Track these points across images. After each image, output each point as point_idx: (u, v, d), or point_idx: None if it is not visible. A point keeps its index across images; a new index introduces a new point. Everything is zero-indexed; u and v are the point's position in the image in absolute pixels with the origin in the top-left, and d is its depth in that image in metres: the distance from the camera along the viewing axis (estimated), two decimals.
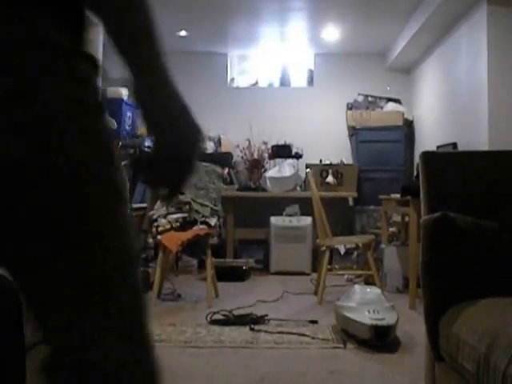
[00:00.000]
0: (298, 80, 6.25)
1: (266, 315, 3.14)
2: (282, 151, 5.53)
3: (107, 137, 0.71)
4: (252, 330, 2.92)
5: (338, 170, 5.35)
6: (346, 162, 5.56)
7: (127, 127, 4.69)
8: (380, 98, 5.89)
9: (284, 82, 6.20)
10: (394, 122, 5.60)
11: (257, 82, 6.20)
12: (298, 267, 4.97)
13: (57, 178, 0.68)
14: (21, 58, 0.64)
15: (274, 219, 5.14)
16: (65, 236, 0.72)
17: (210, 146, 5.63)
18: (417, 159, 5.09)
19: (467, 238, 1.51)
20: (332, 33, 5.39)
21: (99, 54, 3.99)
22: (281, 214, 5.20)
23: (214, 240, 3.87)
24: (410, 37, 4.91)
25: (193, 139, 0.71)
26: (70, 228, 0.72)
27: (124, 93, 4.61)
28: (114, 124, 4.28)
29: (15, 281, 0.78)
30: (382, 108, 5.83)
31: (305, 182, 5.40)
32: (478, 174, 1.71)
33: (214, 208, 3.98)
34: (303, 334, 2.83)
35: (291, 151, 5.54)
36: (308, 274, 4.87)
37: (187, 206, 3.87)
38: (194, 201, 3.90)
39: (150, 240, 4.33)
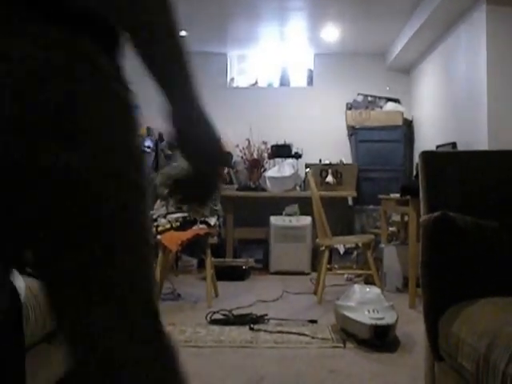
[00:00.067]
0: (298, 80, 6.25)
1: (266, 315, 3.15)
2: (282, 151, 5.54)
3: (139, 148, 0.77)
4: (252, 329, 2.92)
5: (337, 169, 5.36)
6: (345, 162, 5.57)
7: None
8: (379, 97, 5.90)
9: (283, 82, 6.20)
10: (394, 122, 5.60)
11: (256, 82, 6.20)
12: (298, 267, 4.97)
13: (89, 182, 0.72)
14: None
15: (273, 219, 5.14)
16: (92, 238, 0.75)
17: None
18: (416, 159, 5.09)
19: (467, 237, 1.51)
20: (332, 33, 5.40)
21: None
22: (280, 214, 5.20)
23: (213, 239, 3.87)
24: (410, 37, 4.91)
25: (221, 165, 0.80)
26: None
27: None
28: None
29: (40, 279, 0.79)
30: (381, 108, 5.83)
31: (304, 181, 5.40)
32: (478, 174, 1.71)
33: (214, 207, 3.98)
34: (303, 334, 2.83)
35: (291, 151, 5.55)
36: (308, 274, 4.87)
37: (187, 206, 3.87)
38: None
39: None
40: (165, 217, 3.82)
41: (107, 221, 0.76)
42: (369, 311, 2.63)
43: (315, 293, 3.84)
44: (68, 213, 0.74)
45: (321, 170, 5.34)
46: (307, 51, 6.07)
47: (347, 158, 5.76)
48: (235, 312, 3.23)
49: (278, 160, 5.55)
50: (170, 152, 5.01)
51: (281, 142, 5.58)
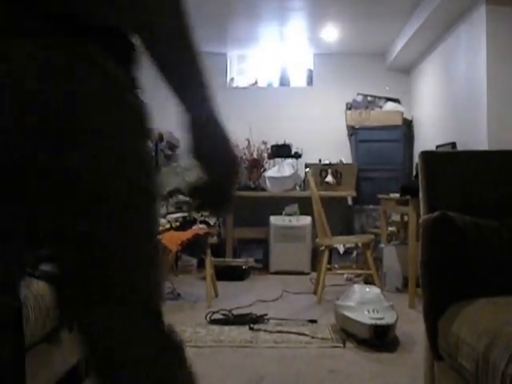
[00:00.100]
0: (298, 80, 6.25)
1: (266, 315, 3.15)
2: (282, 151, 5.54)
3: (149, 155, 0.82)
4: (251, 329, 2.92)
5: (337, 169, 5.36)
6: (345, 162, 5.57)
7: None
8: (379, 97, 5.90)
9: (283, 82, 6.20)
10: (394, 122, 5.60)
11: (256, 82, 6.20)
12: (298, 267, 4.98)
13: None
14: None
15: (273, 219, 5.14)
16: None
17: None
18: (416, 159, 5.10)
19: (466, 237, 1.52)
20: (331, 33, 5.40)
21: None
22: (280, 214, 5.20)
23: (213, 239, 3.88)
24: (409, 37, 4.92)
25: (235, 174, 0.85)
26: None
27: None
28: None
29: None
30: (381, 108, 5.83)
31: (304, 181, 5.40)
32: (477, 174, 1.72)
33: None
34: (303, 334, 2.83)
35: (290, 151, 5.55)
36: (307, 274, 4.87)
37: (187, 206, 3.88)
38: None
39: None
40: (164, 217, 3.83)
41: (107, 221, 0.76)
42: (368, 311, 2.63)
43: (315, 293, 3.84)
44: (67, 213, 0.75)
45: (320, 169, 5.34)
46: (307, 51, 6.07)
47: (347, 158, 5.76)
48: (235, 312, 3.23)
49: (277, 160, 5.55)
50: (170, 152, 5.01)
51: (280, 142, 5.58)
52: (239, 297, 3.81)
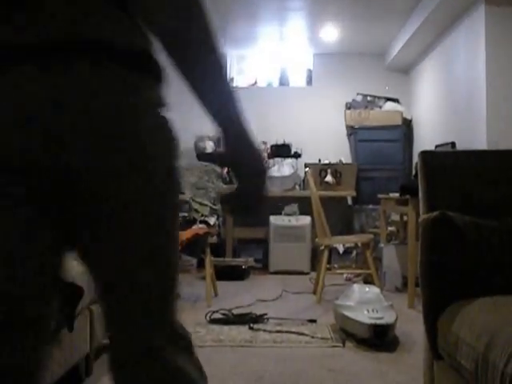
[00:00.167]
0: (297, 80, 6.26)
1: (265, 314, 3.15)
2: (281, 151, 5.54)
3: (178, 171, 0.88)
4: (251, 329, 2.93)
5: (336, 169, 5.36)
6: (344, 162, 5.57)
7: None
8: (379, 97, 5.90)
9: (283, 82, 6.21)
10: (393, 122, 5.61)
11: (256, 82, 6.20)
12: (297, 266, 4.98)
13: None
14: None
15: (273, 218, 5.14)
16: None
17: (209, 146, 5.63)
18: (415, 158, 5.10)
19: (466, 237, 1.52)
20: (331, 33, 5.40)
21: None
22: (280, 214, 5.21)
23: (213, 239, 3.88)
24: (409, 37, 4.92)
25: (264, 181, 0.90)
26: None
27: None
28: None
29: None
30: (380, 107, 5.84)
31: (304, 181, 5.41)
32: (477, 173, 1.72)
33: (213, 207, 3.99)
34: (302, 333, 2.83)
35: (290, 151, 5.55)
36: (307, 273, 4.87)
37: (187, 205, 3.88)
38: (193, 200, 3.91)
39: None
40: None
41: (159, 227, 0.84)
42: (368, 311, 2.63)
43: (314, 292, 3.85)
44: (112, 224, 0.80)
45: (320, 169, 5.35)
46: (306, 51, 6.07)
47: (346, 158, 5.76)
48: (235, 311, 3.24)
49: (277, 160, 5.55)
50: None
51: (280, 142, 5.58)
52: (239, 296, 3.82)
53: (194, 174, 4.98)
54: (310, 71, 6.21)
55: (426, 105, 5.48)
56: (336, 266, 4.88)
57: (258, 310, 3.24)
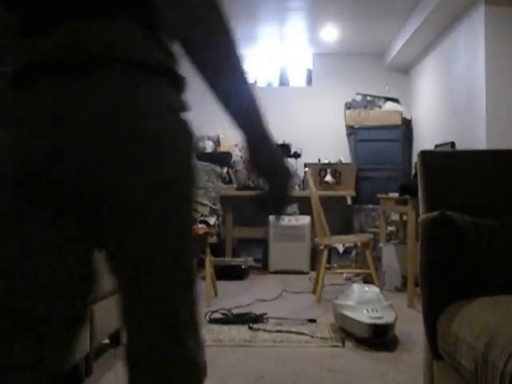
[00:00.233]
0: (297, 80, 6.26)
1: (265, 314, 3.15)
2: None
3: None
4: (251, 328, 2.93)
5: (336, 169, 5.36)
6: (344, 161, 5.58)
7: None
8: (378, 97, 5.90)
9: (283, 82, 6.21)
10: (393, 122, 5.61)
11: (255, 82, 6.20)
12: (297, 266, 4.98)
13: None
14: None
15: (272, 218, 5.14)
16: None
17: (209, 146, 5.63)
18: (415, 158, 5.09)
19: (465, 236, 1.52)
20: (331, 32, 5.40)
21: None
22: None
23: (212, 239, 3.87)
24: (409, 37, 4.92)
25: (290, 181, 0.95)
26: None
27: None
28: None
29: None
30: (380, 107, 5.84)
31: (303, 181, 5.41)
32: (476, 173, 1.72)
33: (213, 207, 3.98)
34: (302, 333, 2.83)
35: (290, 150, 5.55)
36: (307, 273, 4.88)
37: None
38: None
39: None
40: None
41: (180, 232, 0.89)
42: (368, 310, 2.63)
43: (314, 292, 3.85)
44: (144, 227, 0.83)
45: (320, 169, 5.35)
46: (306, 51, 6.07)
47: (346, 158, 5.76)
48: (234, 311, 3.24)
49: None
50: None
51: (280, 142, 5.58)
52: (238, 296, 3.82)
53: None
54: (309, 71, 6.21)
55: (425, 105, 5.48)
56: (336, 265, 4.88)
57: (257, 310, 3.24)
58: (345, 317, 2.74)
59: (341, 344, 2.66)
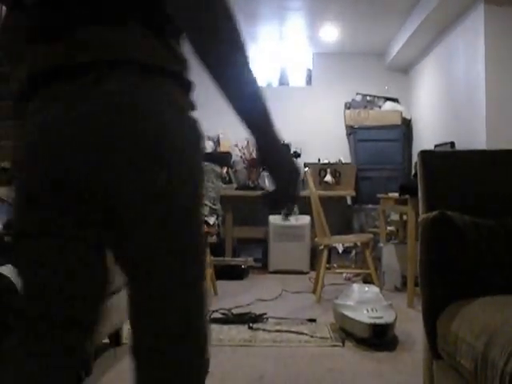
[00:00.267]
0: (297, 79, 6.26)
1: (265, 314, 3.15)
2: None
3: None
4: (251, 328, 2.93)
5: (336, 169, 5.36)
6: (344, 161, 5.57)
7: None
8: (378, 97, 5.90)
9: (282, 82, 6.21)
10: (392, 122, 5.61)
11: None
12: (297, 266, 4.98)
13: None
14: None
15: (272, 218, 5.14)
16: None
17: (208, 146, 5.63)
18: (415, 158, 5.10)
19: (465, 236, 1.52)
20: (330, 32, 5.40)
21: None
22: (279, 213, 5.21)
23: (212, 239, 3.88)
24: (408, 36, 4.92)
25: (298, 179, 0.98)
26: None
27: None
28: None
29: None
30: (380, 107, 5.84)
31: (303, 181, 5.40)
32: (476, 173, 1.72)
33: (213, 207, 3.98)
34: (302, 333, 2.83)
35: (289, 150, 5.55)
36: (306, 273, 4.88)
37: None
38: None
39: None
40: None
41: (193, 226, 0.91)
42: (367, 310, 2.63)
43: (314, 292, 3.85)
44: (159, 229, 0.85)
45: (319, 169, 5.35)
46: (306, 51, 6.07)
47: (346, 158, 5.76)
48: (234, 311, 3.24)
49: None
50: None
51: None
52: (238, 296, 3.82)
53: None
54: (309, 71, 6.21)
55: (425, 104, 5.48)
56: (335, 265, 4.88)
57: (257, 310, 3.24)
58: (345, 317, 2.74)
59: (341, 344, 2.66)
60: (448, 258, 1.51)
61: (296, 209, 5.23)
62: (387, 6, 4.63)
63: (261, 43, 5.79)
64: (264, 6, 4.73)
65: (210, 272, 3.66)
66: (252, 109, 0.91)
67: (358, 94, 5.93)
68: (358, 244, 4.39)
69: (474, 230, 1.53)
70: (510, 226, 1.56)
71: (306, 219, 5.06)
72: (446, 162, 1.74)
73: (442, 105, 4.90)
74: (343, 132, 5.94)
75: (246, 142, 5.64)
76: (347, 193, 5.38)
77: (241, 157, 5.64)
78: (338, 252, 5.11)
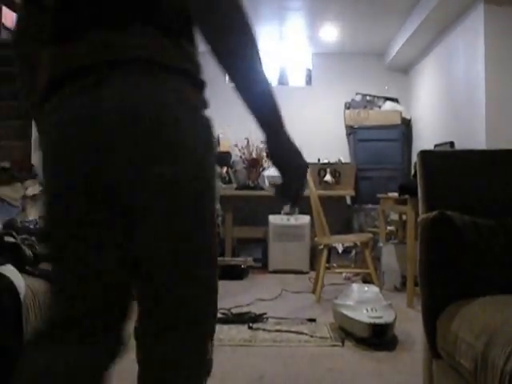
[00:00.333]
0: (296, 79, 6.26)
1: (265, 313, 3.15)
2: None
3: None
4: (250, 328, 2.93)
5: (335, 168, 5.36)
6: (343, 161, 5.57)
7: None
8: (378, 97, 5.90)
9: (282, 82, 6.21)
10: (392, 121, 5.61)
11: None
12: (297, 265, 4.98)
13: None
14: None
15: (272, 218, 5.14)
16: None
17: None
18: (414, 158, 5.11)
19: (465, 236, 1.52)
20: (330, 32, 5.40)
21: None
22: (279, 213, 5.21)
23: None
24: (408, 36, 4.92)
25: (304, 178, 1.00)
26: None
27: None
28: None
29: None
30: (379, 107, 5.84)
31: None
32: (476, 173, 1.72)
33: None
34: (301, 333, 2.83)
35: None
36: (306, 273, 4.88)
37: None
38: None
39: None
40: None
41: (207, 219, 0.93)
42: (367, 310, 2.63)
43: (314, 291, 3.85)
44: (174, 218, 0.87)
45: (319, 169, 5.35)
46: (306, 50, 6.07)
47: (345, 158, 5.76)
48: (234, 311, 3.24)
49: None
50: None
51: None
52: (238, 296, 3.82)
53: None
54: (309, 71, 6.21)
55: (425, 104, 5.48)
56: (335, 265, 4.88)
57: (257, 310, 3.24)
58: (344, 316, 2.74)
59: (340, 343, 2.66)
60: (448, 257, 1.51)
61: (296, 208, 5.23)
62: (387, 6, 4.63)
63: (260, 43, 5.76)
64: (264, 6, 4.73)
65: None
66: (263, 106, 0.92)
67: (357, 93, 5.93)
68: (358, 244, 4.39)
69: (473, 230, 1.53)
70: (509, 226, 1.56)
71: (305, 219, 5.06)
72: (446, 162, 1.74)
73: (441, 105, 4.90)
74: (343, 132, 5.94)
75: (245, 142, 5.64)
76: (347, 193, 5.39)
77: (240, 157, 5.63)
78: (338, 252, 5.11)
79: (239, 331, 2.88)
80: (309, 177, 4.04)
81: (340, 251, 5.11)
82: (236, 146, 5.66)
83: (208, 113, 0.94)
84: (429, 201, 1.67)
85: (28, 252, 1.86)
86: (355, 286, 2.93)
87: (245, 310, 3.28)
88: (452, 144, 4.35)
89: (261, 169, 5.57)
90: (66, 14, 0.87)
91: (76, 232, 0.85)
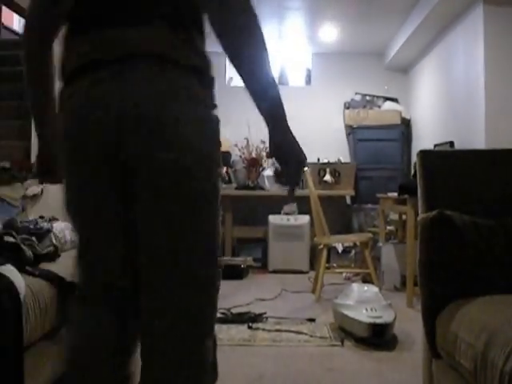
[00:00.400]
0: (296, 79, 6.26)
1: (264, 313, 3.15)
2: None
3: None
4: (250, 328, 2.93)
5: (335, 168, 5.36)
6: (343, 161, 5.57)
7: None
8: (377, 96, 5.91)
9: (282, 81, 6.20)
10: (392, 121, 5.61)
11: None
12: (296, 265, 4.98)
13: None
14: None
15: (272, 218, 5.14)
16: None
17: None
18: (414, 158, 5.11)
19: (464, 236, 1.52)
20: (330, 32, 5.40)
21: None
22: (279, 213, 5.21)
23: None
24: (408, 36, 4.92)
25: (303, 161, 1.04)
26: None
27: None
28: None
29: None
30: (379, 107, 5.84)
31: (302, 180, 5.41)
32: (475, 173, 1.72)
33: None
34: (301, 332, 2.84)
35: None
36: (306, 272, 4.88)
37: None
38: None
39: None
40: None
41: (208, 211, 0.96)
42: (367, 310, 2.64)
43: (313, 291, 3.85)
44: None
45: (319, 168, 5.35)
46: (305, 50, 6.07)
47: (345, 157, 5.76)
48: (234, 310, 3.24)
49: None
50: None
51: None
52: (238, 295, 3.82)
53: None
54: (308, 70, 6.21)
55: (424, 104, 5.48)
56: (335, 265, 4.88)
57: (256, 309, 3.24)
58: (344, 316, 2.74)
59: (340, 343, 2.66)
60: (447, 257, 1.51)
61: (295, 208, 5.23)
62: (387, 6, 4.63)
63: None
64: (263, 6, 4.73)
65: None
66: (270, 96, 0.97)
67: (357, 93, 5.93)
68: (358, 244, 4.39)
69: (473, 230, 1.53)
70: (509, 226, 1.56)
71: (305, 219, 5.06)
72: (446, 162, 1.75)
73: (441, 104, 4.90)
74: (343, 132, 5.94)
75: (245, 142, 5.64)
76: (346, 192, 5.39)
77: (240, 156, 5.63)
78: (338, 252, 5.11)
79: (239, 331, 2.89)
80: (308, 176, 4.04)
81: (340, 251, 5.11)
82: (236, 145, 5.66)
83: (216, 109, 0.98)
84: (428, 201, 1.67)
85: (28, 252, 1.86)
86: (355, 286, 2.93)
87: (244, 309, 3.28)
88: (452, 144, 4.35)
89: (260, 169, 5.57)
90: (84, 9, 0.91)
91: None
